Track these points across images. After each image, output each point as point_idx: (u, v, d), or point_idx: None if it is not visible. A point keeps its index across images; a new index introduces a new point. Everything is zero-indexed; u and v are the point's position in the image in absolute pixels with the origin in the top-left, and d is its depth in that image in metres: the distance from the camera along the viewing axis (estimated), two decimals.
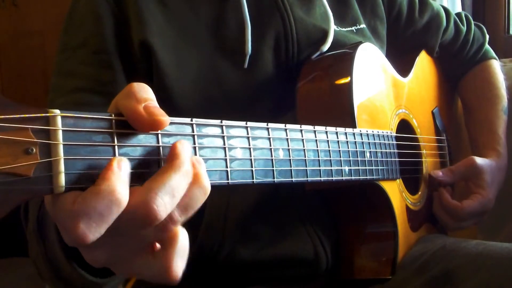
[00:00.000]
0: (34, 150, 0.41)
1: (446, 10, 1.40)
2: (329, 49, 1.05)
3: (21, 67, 2.26)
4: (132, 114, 0.49)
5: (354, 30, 1.14)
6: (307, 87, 1.00)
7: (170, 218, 0.51)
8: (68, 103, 0.93)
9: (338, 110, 0.96)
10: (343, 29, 1.12)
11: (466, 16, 1.45)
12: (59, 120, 0.44)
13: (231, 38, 1.00)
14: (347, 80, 0.96)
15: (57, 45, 1.01)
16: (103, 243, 0.48)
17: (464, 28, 1.40)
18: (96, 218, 0.46)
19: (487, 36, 1.45)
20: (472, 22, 1.44)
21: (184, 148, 0.52)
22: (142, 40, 0.93)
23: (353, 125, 0.93)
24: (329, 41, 1.05)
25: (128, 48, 0.95)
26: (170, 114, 0.84)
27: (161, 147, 0.52)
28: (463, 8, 1.94)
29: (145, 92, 0.51)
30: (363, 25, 1.17)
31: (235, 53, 0.99)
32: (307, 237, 1.00)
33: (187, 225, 0.72)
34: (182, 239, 0.53)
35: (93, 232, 0.46)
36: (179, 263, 0.53)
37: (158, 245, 0.53)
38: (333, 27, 1.07)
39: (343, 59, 1.01)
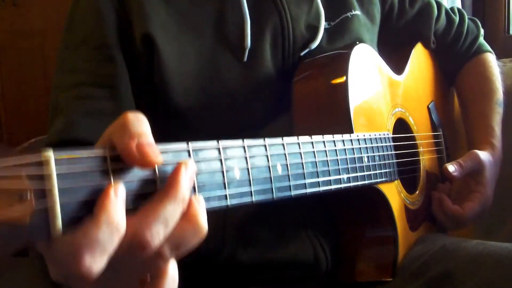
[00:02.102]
0: (29, 196, 0.41)
1: (437, 2, 1.40)
2: (320, 46, 1.06)
3: (21, 67, 2.26)
4: (124, 151, 0.49)
5: (350, 16, 1.14)
6: (302, 88, 1.00)
7: (160, 255, 0.51)
8: (70, 98, 0.93)
9: (334, 113, 0.96)
10: (337, 20, 1.12)
11: (458, 9, 1.45)
12: (52, 163, 0.43)
13: (232, 32, 1.00)
14: (342, 81, 0.96)
15: (57, 44, 1.02)
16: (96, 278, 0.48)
17: (456, 19, 1.40)
18: (99, 249, 0.46)
19: (482, 30, 1.45)
20: (466, 15, 1.44)
21: (186, 173, 0.52)
22: (144, 33, 0.94)
23: (350, 128, 0.92)
24: (318, 39, 1.06)
25: (130, 42, 0.96)
26: (171, 108, 0.83)
27: (158, 179, 0.51)
28: (462, 8, 1.92)
29: (139, 125, 0.50)
30: (357, 12, 1.16)
31: (235, 47, 1.00)
32: (307, 240, 1.01)
33: None
34: (172, 271, 0.54)
35: (98, 263, 0.46)
36: None
37: (148, 278, 0.54)
38: (323, 25, 1.07)
39: (338, 59, 1.00)
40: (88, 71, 0.95)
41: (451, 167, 1.16)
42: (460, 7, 1.84)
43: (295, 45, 1.04)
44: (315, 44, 1.06)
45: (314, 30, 1.07)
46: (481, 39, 1.44)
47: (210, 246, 0.97)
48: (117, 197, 0.47)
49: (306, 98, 0.99)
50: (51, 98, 0.97)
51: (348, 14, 1.14)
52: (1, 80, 2.27)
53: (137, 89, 0.96)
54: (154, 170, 0.51)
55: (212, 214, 0.95)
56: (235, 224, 0.98)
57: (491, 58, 1.43)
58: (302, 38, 1.05)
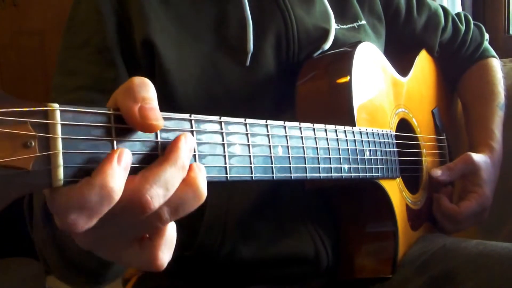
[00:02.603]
0: (33, 143, 0.41)
1: (444, 9, 1.40)
2: (330, 48, 1.06)
3: (21, 67, 2.26)
4: (127, 114, 0.49)
5: (356, 26, 1.15)
6: (306, 86, 1.00)
7: (159, 217, 0.51)
8: (70, 101, 0.93)
9: (338, 110, 0.96)
10: (344, 26, 1.12)
11: (465, 16, 1.45)
12: (58, 114, 0.44)
13: (233, 36, 1.00)
14: (346, 79, 0.96)
15: (57, 44, 1.01)
16: (93, 230, 0.48)
17: (462, 28, 1.40)
18: (88, 210, 0.46)
19: (486, 35, 1.45)
20: (471, 22, 1.44)
21: (186, 143, 0.52)
22: (145, 38, 0.94)
23: (353, 124, 0.92)
24: (330, 40, 1.05)
25: (131, 46, 0.95)
26: (172, 111, 0.84)
27: (159, 142, 0.52)
28: (463, 8, 1.94)
29: (145, 90, 0.50)
30: (363, 22, 1.17)
31: (237, 51, 0.99)
32: (308, 236, 1.00)
33: (188, 224, 0.72)
34: (170, 231, 0.54)
35: (84, 223, 0.47)
36: (166, 254, 0.54)
37: (146, 235, 0.55)
38: (334, 26, 1.07)
39: (342, 58, 1.00)
40: (89, 74, 0.94)
41: (437, 172, 1.17)
42: (460, 7, 1.85)
43: (301, 45, 1.04)
44: (327, 45, 1.05)
45: (323, 31, 1.06)
46: (486, 44, 1.44)
47: (212, 241, 0.96)
48: (120, 164, 0.47)
49: (310, 95, 0.99)
50: (51, 98, 0.97)
51: (355, 24, 1.15)
52: (1, 80, 2.27)
53: None
54: (156, 134, 0.52)
55: (213, 209, 0.95)
56: (236, 218, 0.98)
57: (494, 62, 1.43)
58: (308, 38, 1.04)
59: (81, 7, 0.99)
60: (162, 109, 0.51)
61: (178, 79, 0.95)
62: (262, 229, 0.99)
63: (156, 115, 0.50)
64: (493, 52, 1.45)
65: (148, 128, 0.49)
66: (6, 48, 2.25)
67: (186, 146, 0.52)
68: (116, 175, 0.47)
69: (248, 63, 0.99)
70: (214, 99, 0.98)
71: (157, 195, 0.49)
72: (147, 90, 0.50)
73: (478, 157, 1.22)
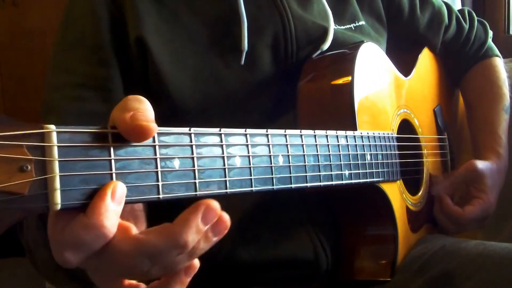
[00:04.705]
0: (29, 167, 0.41)
1: (448, 7, 1.38)
2: (328, 48, 1.05)
3: (21, 67, 2.25)
4: (119, 124, 0.48)
5: (353, 27, 1.13)
6: (308, 87, 0.99)
7: (148, 273, 0.50)
8: (63, 99, 0.93)
9: (339, 111, 0.95)
10: (342, 26, 1.11)
11: (469, 12, 1.43)
12: (54, 136, 0.43)
13: (228, 35, 0.99)
14: (348, 80, 0.95)
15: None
16: (85, 263, 0.49)
17: (466, 26, 1.38)
18: (82, 248, 0.47)
19: (490, 33, 1.43)
20: (476, 19, 1.42)
21: (199, 221, 0.50)
22: (138, 37, 0.93)
23: (354, 127, 0.92)
24: (329, 40, 1.04)
25: (125, 45, 0.95)
26: (168, 112, 0.82)
27: (158, 159, 0.51)
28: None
29: (138, 103, 0.49)
30: (362, 22, 1.16)
31: (232, 50, 0.99)
32: (307, 238, 1.00)
33: None
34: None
35: (78, 259, 0.47)
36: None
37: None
38: (332, 25, 1.06)
39: (344, 59, 1.00)
40: (82, 72, 0.94)
41: (439, 179, 1.21)
42: (459, 6, 1.83)
43: (299, 45, 1.03)
44: (326, 45, 1.04)
45: (322, 30, 1.05)
46: (489, 43, 1.42)
47: None
48: (114, 199, 0.47)
49: (311, 96, 0.98)
50: (44, 95, 0.97)
51: (353, 25, 1.14)
52: (1, 80, 2.27)
53: (134, 92, 0.96)
54: (155, 150, 0.51)
55: None
56: (235, 221, 0.96)
57: (498, 62, 1.41)
58: (307, 37, 1.03)
59: (75, 6, 0.99)
60: (157, 111, 0.51)
61: (171, 78, 0.94)
62: (261, 232, 0.99)
63: (148, 117, 0.48)
64: (497, 51, 1.43)
65: (138, 130, 0.48)
66: (6, 48, 2.24)
67: (199, 224, 0.51)
68: (110, 213, 0.46)
69: (243, 62, 0.99)
70: (210, 99, 0.97)
71: (141, 263, 0.48)
72: (141, 103, 0.50)
73: (482, 164, 1.21)
